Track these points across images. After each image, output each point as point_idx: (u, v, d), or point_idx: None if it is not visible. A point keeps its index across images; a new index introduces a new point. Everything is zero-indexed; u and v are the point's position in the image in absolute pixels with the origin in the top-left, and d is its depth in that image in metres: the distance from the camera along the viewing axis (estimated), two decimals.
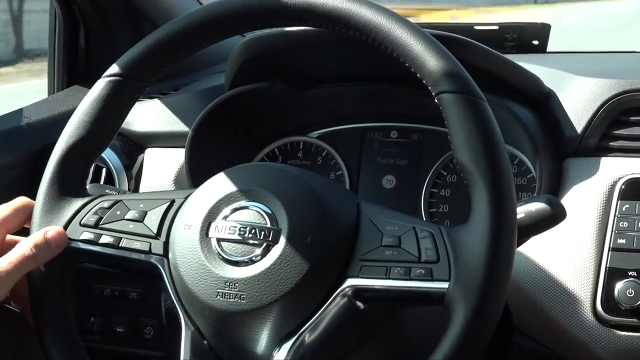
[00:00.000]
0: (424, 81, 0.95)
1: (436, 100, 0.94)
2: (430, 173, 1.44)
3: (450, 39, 1.23)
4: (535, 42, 1.83)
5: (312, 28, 1.04)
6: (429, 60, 0.94)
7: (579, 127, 1.29)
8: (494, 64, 1.30)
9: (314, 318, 0.93)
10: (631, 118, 1.28)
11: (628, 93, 1.28)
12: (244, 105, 1.44)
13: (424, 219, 1.42)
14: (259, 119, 1.50)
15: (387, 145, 1.49)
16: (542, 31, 1.83)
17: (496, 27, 1.82)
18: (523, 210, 0.99)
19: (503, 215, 0.90)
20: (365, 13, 0.97)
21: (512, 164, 1.39)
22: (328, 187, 1.01)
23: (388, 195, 1.47)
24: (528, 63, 1.40)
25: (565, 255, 1.22)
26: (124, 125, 1.52)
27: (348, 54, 1.35)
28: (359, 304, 0.95)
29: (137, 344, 1.45)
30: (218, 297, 0.94)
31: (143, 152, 1.53)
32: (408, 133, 1.48)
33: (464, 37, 1.27)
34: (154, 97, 1.59)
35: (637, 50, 1.95)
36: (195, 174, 1.41)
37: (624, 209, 1.20)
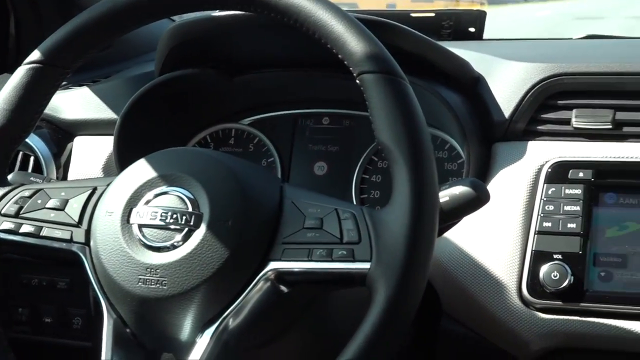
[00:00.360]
0: (345, 62, 0.94)
1: (357, 81, 0.94)
2: (362, 159, 1.44)
3: (378, 23, 1.23)
4: (472, 29, 1.84)
5: (239, 12, 1.04)
6: (350, 41, 0.93)
7: (507, 111, 1.30)
8: (423, 48, 1.30)
9: (236, 303, 0.92)
10: (558, 102, 1.29)
11: (555, 77, 1.28)
12: (174, 91, 1.43)
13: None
14: (190, 106, 1.49)
15: (318, 132, 1.49)
16: (478, 18, 1.83)
17: (433, 14, 1.82)
18: (447, 194, 0.99)
19: (423, 194, 0.89)
20: None
21: (443, 149, 1.40)
22: (250, 171, 1.00)
23: (320, 182, 1.47)
24: (462, 49, 1.41)
25: (492, 239, 1.22)
26: (53, 113, 1.50)
27: (278, 39, 1.34)
28: (283, 287, 0.94)
29: (65, 334, 1.43)
30: (139, 283, 0.93)
31: (72, 140, 1.51)
32: (340, 119, 1.48)
33: (393, 22, 1.27)
34: (84, 85, 1.56)
35: (573, 37, 1.97)
36: (124, 161, 1.39)
37: (549, 192, 1.21)
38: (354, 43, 0.93)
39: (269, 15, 0.98)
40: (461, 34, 1.82)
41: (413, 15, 1.81)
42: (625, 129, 1.25)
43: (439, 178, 1.35)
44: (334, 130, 1.48)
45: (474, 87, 1.34)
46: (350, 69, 0.94)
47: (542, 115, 1.29)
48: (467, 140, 1.27)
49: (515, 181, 1.24)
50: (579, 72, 1.28)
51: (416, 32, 1.30)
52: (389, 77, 0.93)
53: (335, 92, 1.44)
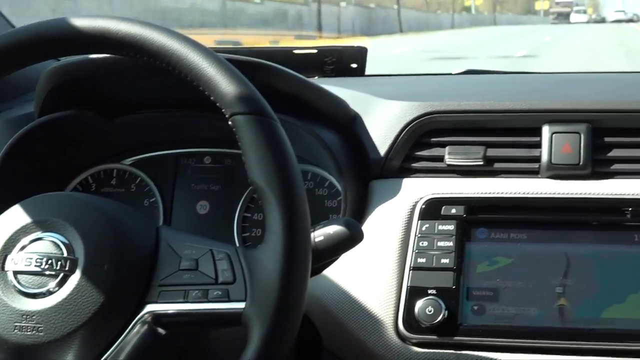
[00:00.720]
0: (217, 104, 0.96)
1: (230, 123, 0.95)
2: (243, 197, 1.45)
3: (252, 64, 1.24)
4: (354, 65, 1.87)
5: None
6: (221, 83, 0.95)
7: (383, 149, 1.32)
8: (298, 87, 1.32)
9: (114, 346, 0.92)
10: (432, 139, 1.32)
11: (428, 115, 1.32)
12: (54, 133, 1.41)
13: (237, 243, 1.42)
14: (71, 147, 1.47)
15: (200, 171, 1.49)
16: (359, 54, 1.86)
17: (315, 51, 1.84)
18: (322, 233, 1.01)
19: (296, 234, 0.91)
20: (159, 38, 0.97)
21: (322, 187, 1.42)
22: (126, 214, 1.01)
23: (202, 221, 1.47)
24: (339, 87, 1.43)
25: (369, 276, 1.24)
26: None
27: (156, 80, 1.34)
28: (160, 329, 0.94)
29: None
30: (15, 330, 0.93)
31: None
32: (221, 158, 1.49)
33: (267, 62, 1.28)
34: None
35: (452, 73, 2.02)
36: (3, 206, 1.36)
37: (423, 228, 1.24)
38: (224, 85, 0.95)
39: (142, 58, 0.99)
40: (344, 70, 1.85)
41: (296, 52, 1.83)
42: (496, 165, 1.30)
43: (319, 215, 1.39)
44: (215, 169, 1.49)
45: (350, 125, 1.36)
46: (222, 110, 0.95)
47: (416, 153, 1.32)
48: (344, 178, 1.30)
49: (390, 218, 1.26)
50: (451, 110, 1.32)
51: (291, 72, 1.31)
52: (260, 118, 0.94)
53: (216, 131, 1.44)
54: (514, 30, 41.65)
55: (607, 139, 1.28)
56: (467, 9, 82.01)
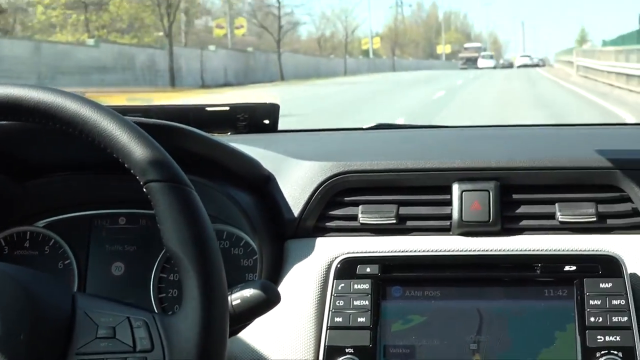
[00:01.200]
0: (132, 171, 0.96)
1: (144, 189, 0.95)
2: (159, 258, 1.44)
3: (166, 128, 1.24)
4: (267, 121, 1.88)
5: None
6: (134, 150, 0.95)
7: (297, 209, 1.34)
8: (212, 149, 1.33)
9: None
10: (345, 199, 1.35)
11: (341, 175, 1.34)
12: None
13: (154, 304, 1.41)
14: None
15: (115, 232, 1.49)
16: (271, 111, 1.88)
17: (227, 108, 1.85)
18: (239, 296, 1.02)
19: (213, 301, 0.92)
20: (71, 106, 0.97)
21: (238, 246, 1.42)
22: (41, 282, 1.00)
23: (118, 282, 1.46)
24: (253, 145, 1.44)
25: (287, 336, 1.25)
26: None
27: (68, 143, 1.33)
28: None
29: None
30: None
31: None
32: (136, 219, 1.48)
33: (181, 125, 1.28)
34: None
35: (363, 127, 2.05)
36: None
37: (339, 287, 1.25)
38: (138, 152, 0.95)
39: (54, 126, 0.98)
40: (256, 126, 1.87)
41: (209, 109, 1.84)
42: (409, 223, 1.32)
43: (235, 274, 1.39)
44: (130, 230, 1.48)
45: (264, 185, 1.37)
46: (137, 177, 0.95)
47: (330, 212, 1.34)
48: (259, 238, 1.31)
49: (307, 278, 1.28)
50: (363, 169, 1.34)
51: (203, 133, 1.32)
52: (174, 186, 0.95)
53: (130, 192, 1.43)
54: (411, 79, 40.17)
55: (515, 196, 1.32)
56: (365, 53, 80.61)
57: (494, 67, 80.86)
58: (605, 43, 42.77)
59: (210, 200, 1.30)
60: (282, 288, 1.27)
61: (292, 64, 45.05)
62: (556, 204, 1.30)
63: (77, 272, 1.46)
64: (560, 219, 1.29)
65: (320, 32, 73.49)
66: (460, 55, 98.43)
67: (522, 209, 1.31)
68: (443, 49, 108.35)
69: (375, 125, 2.03)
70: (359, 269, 1.26)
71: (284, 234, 1.35)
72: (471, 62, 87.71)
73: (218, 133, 1.83)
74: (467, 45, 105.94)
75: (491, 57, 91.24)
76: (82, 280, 1.46)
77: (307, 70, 47.43)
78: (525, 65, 79.29)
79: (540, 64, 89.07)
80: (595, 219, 1.28)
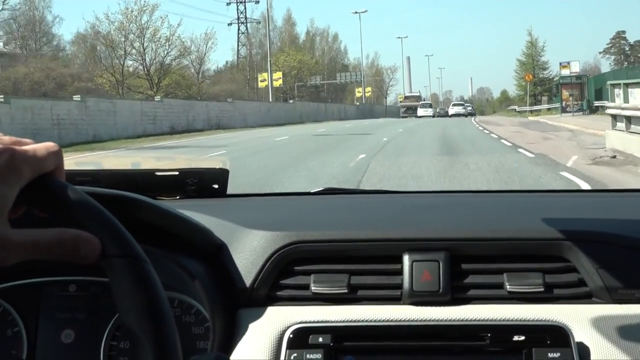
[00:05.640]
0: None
1: (100, 264, 0.94)
2: (110, 325, 1.43)
3: (118, 199, 1.24)
4: (215, 186, 1.89)
5: None
6: (91, 224, 0.94)
7: (249, 278, 1.34)
8: (163, 219, 1.32)
9: None
10: (296, 268, 1.36)
11: (292, 245, 1.35)
12: None
13: None
14: None
15: (65, 300, 1.47)
16: (220, 176, 1.89)
17: (177, 173, 1.86)
18: None
19: None
20: None
21: (190, 314, 1.42)
22: None
23: (67, 350, 1.45)
24: (204, 213, 1.45)
25: None
26: None
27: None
28: None
29: None
30: None
31: None
32: (86, 286, 1.47)
33: (134, 196, 1.28)
34: None
35: (311, 192, 2.07)
36: None
37: (292, 357, 1.26)
38: (93, 227, 0.94)
39: None
40: (205, 191, 1.87)
41: (158, 174, 1.84)
42: (360, 293, 1.34)
43: (187, 343, 1.38)
44: (80, 297, 1.47)
45: (216, 255, 1.38)
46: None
47: (282, 282, 1.35)
48: (211, 308, 1.31)
49: (259, 348, 1.28)
50: (314, 239, 1.36)
51: (156, 203, 1.31)
52: (131, 261, 0.94)
53: None
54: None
55: (464, 266, 1.34)
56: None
57: (433, 116, 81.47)
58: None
59: (162, 268, 1.30)
60: (234, 357, 1.27)
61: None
62: (504, 274, 1.33)
63: (27, 340, 1.44)
64: (508, 289, 1.32)
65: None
66: (401, 104, 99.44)
67: (471, 279, 1.34)
68: (361, 92, 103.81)
69: (323, 190, 2.05)
70: (312, 339, 1.26)
71: (236, 303, 1.35)
72: (411, 111, 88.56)
73: (167, 197, 1.83)
74: (407, 94, 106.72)
75: (430, 105, 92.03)
76: (31, 348, 1.44)
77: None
78: (458, 114, 79.77)
79: (473, 112, 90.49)
80: (542, 289, 1.31)
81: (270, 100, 66.40)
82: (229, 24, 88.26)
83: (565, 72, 61.42)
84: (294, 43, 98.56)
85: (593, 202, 1.88)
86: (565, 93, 54.49)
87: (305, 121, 63.53)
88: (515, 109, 78.72)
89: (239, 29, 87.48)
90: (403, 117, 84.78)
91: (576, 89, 54.59)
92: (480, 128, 35.45)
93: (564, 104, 53.83)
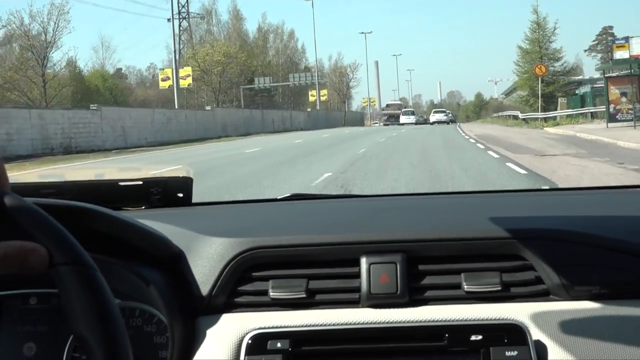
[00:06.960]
0: None
1: (48, 272, 0.94)
2: (71, 338, 1.42)
3: (72, 210, 1.23)
4: (180, 195, 1.89)
5: None
6: (37, 233, 0.94)
7: (207, 286, 1.34)
8: (120, 229, 1.32)
9: None
10: (254, 274, 1.36)
11: (250, 251, 1.36)
12: None
13: None
14: None
15: (26, 313, 1.47)
16: (184, 184, 1.89)
17: (141, 182, 1.85)
18: None
19: None
20: None
21: (151, 323, 1.42)
22: None
23: None
24: (164, 222, 1.44)
25: None
26: None
27: None
28: None
29: None
30: None
31: None
32: (47, 298, 1.47)
33: (88, 206, 1.28)
34: None
35: (277, 198, 2.07)
36: None
37: None
38: (41, 235, 0.94)
39: None
40: (170, 199, 1.87)
41: (122, 184, 1.83)
42: (318, 297, 1.34)
43: (148, 351, 1.38)
44: (41, 310, 1.47)
45: (174, 263, 1.38)
46: None
47: (240, 288, 1.35)
48: (170, 316, 1.31)
49: (218, 354, 1.28)
50: (271, 245, 1.36)
51: (111, 213, 1.31)
52: (79, 268, 0.94)
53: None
54: None
55: (421, 267, 1.35)
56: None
57: (416, 123, 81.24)
58: None
59: (122, 278, 1.30)
60: None
61: None
62: (462, 274, 1.34)
63: None
64: (466, 289, 1.32)
65: None
66: (384, 112, 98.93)
67: (429, 280, 1.34)
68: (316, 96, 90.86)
69: (290, 196, 2.06)
70: (270, 344, 1.27)
71: (195, 311, 1.35)
72: (394, 119, 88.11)
73: (132, 208, 1.83)
74: (389, 102, 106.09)
75: (412, 113, 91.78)
76: None
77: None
78: (440, 122, 78.95)
79: (454, 119, 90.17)
80: (499, 288, 1.32)
81: (176, 106, 50.98)
82: (168, 20, 76.59)
83: (622, 54, 37.15)
84: (243, 40, 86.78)
85: (552, 200, 1.89)
86: (614, 91, 34.23)
87: (231, 135, 49.87)
88: (516, 116, 57.08)
89: (180, 25, 79.32)
90: (385, 125, 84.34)
91: (635, 84, 34.05)
92: (496, 155, 19.02)
93: (612, 109, 33.93)
